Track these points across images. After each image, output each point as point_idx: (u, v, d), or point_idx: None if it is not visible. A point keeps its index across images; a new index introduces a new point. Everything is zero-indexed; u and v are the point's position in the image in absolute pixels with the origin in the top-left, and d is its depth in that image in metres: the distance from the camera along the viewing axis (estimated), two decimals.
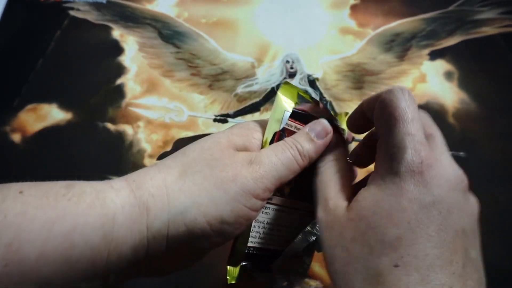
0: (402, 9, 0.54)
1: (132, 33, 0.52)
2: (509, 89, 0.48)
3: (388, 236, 0.18)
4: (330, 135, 0.25)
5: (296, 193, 0.27)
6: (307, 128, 0.25)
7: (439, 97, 0.47)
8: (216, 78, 0.48)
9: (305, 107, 0.26)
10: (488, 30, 0.52)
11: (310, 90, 0.47)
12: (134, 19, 0.53)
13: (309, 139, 0.24)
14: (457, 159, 0.21)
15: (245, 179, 0.21)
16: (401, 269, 0.17)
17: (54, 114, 0.46)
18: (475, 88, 0.48)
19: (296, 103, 0.26)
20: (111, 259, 0.19)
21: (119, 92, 0.47)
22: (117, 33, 0.52)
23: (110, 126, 0.45)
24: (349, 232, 0.19)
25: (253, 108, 0.46)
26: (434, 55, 0.50)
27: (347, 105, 0.46)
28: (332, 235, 0.20)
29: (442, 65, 0.50)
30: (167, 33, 0.52)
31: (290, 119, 0.26)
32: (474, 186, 0.41)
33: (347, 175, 0.23)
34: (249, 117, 0.45)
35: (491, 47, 0.51)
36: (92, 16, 0.53)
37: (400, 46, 0.51)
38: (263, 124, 0.25)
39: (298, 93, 0.26)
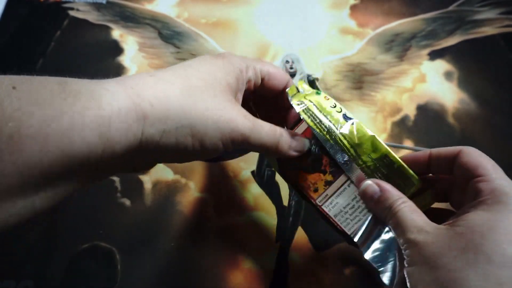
0: (402, 9, 0.54)
1: (132, 33, 0.52)
2: (509, 89, 0.48)
3: (508, 251, 0.20)
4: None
5: (337, 172, 0.30)
6: (295, 139, 0.29)
7: (439, 97, 0.47)
8: None
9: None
10: (488, 30, 0.52)
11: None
12: (134, 19, 0.53)
13: (289, 144, 0.29)
14: None
15: (236, 127, 0.25)
16: None
17: None
18: (475, 88, 0.48)
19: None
20: (104, 155, 0.21)
21: None
22: (117, 33, 0.52)
23: None
24: (459, 243, 0.21)
25: None
26: (434, 55, 0.50)
27: (347, 105, 0.46)
28: (435, 248, 0.22)
29: (442, 65, 0.50)
30: (167, 33, 0.52)
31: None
32: None
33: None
34: None
35: (491, 47, 0.51)
36: (92, 16, 0.53)
37: (400, 46, 0.51)
38: (244, 59, 0.29)
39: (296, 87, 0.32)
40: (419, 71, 0.49)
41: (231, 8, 0.55)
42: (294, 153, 0.29)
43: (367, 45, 0.51)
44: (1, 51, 0.50)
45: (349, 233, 0.28)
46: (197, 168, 0.42)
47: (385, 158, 0.28)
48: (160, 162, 0.30)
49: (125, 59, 0.50)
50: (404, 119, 0.46)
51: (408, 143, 0.44)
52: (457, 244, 0.21)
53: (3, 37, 0.52)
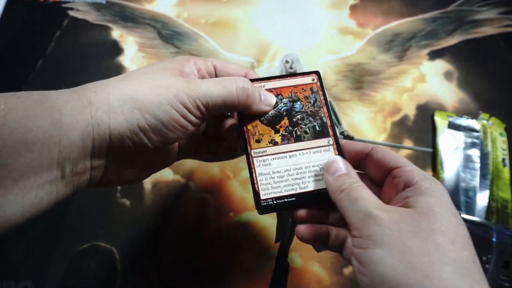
0: (401, 9, 0.54)
1: (132, 33, 0.52)
2: (509, 89, 0.48)
3: (463, 232, 0.21)
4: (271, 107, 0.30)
5: (288, 138, 0.30)
6: (263, 92, 0.29)
7: (439, 97, 0.47)
8: None
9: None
10: (487, 30, 0.52)
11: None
12: (133, 19, 0.53)
13: (257, 94, 0.28)
14: None
15: (178, 90, 0.25)
16: (477, 266, 0.20)
17: None
18: (475, 88, 0.48)
19: None
20: (63, 144, 0.22)
21: None
22: (116, 33, 0.52)
23: None
24: (425, 224, 0.21)
25: None
26: (433, 55, 0.50)
27: (347, 105, 0.46)
28: (404, 229, 0.21)
29: (441, 65, 0.50)
30: (167, 33, 0.52)
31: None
32: None
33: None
34: None
35: (491, 47, 0.51)
36: (91, 17, 0.53)
37: (399, 46, 0.51)
38: (193, 57, 0.29)
39: None
40: (418, 71, 0.49)
41: (231, 8, 0.55)
42: (265, 107, 0.29)
43: (366, 45, 0.51)
44: (1, 51, 0.50)
45: (261, 195, 0.28)
46: (197, 168, 0.42)
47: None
48: (129, 178, 0.27)
49: (124, 59, 0.50)
50: (404, 119, 0.46)
51: (408, 143, 0.44)
52: (423, 225, 0.21)
53: (3, 37, 0.52)
